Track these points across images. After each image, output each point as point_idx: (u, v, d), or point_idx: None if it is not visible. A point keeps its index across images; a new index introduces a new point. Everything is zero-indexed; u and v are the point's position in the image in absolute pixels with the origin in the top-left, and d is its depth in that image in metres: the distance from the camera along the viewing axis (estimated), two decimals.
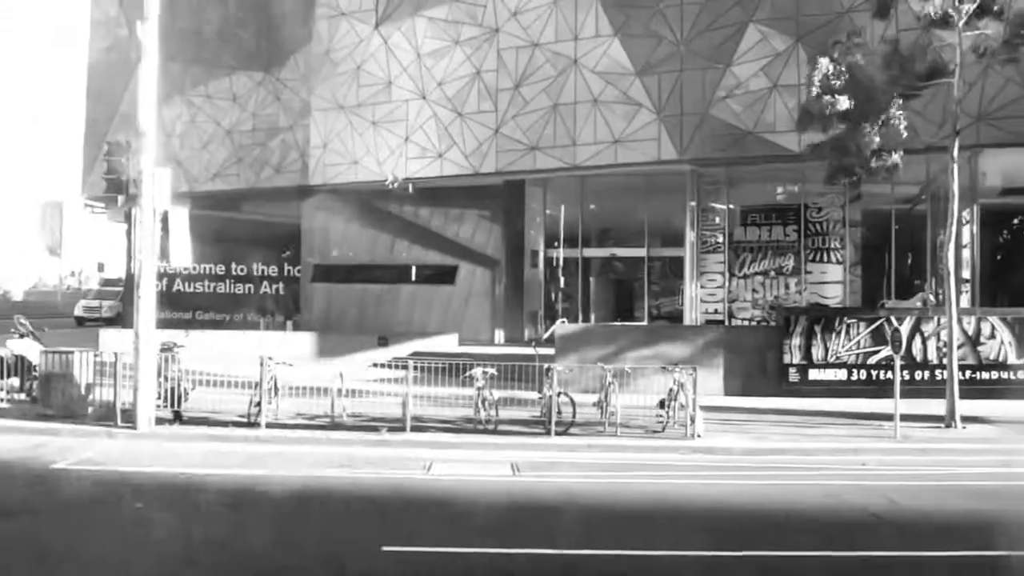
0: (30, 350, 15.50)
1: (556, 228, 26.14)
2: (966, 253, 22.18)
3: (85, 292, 40.95)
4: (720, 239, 23.77)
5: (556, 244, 26.33)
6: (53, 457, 11.86)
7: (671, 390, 14.04)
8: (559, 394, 13.61)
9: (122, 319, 36.67)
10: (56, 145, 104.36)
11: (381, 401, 15.51)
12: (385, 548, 7.98)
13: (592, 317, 26.15)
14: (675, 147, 21.78)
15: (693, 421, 13.39)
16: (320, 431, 13.69)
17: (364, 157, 25.27)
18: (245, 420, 13.82)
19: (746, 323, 23.33)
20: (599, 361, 16.04)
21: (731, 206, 23.92)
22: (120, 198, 13.32)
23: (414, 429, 13.59)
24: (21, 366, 15.15)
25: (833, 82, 14.90)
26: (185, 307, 27.85)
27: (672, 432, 13.79)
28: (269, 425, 13.68)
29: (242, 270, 28.05)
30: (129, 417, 13.76)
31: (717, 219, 23.94)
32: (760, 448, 13.08)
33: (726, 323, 23.20)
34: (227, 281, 27.97)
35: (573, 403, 13.74)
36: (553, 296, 26.54)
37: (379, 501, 10.11)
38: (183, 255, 14.17)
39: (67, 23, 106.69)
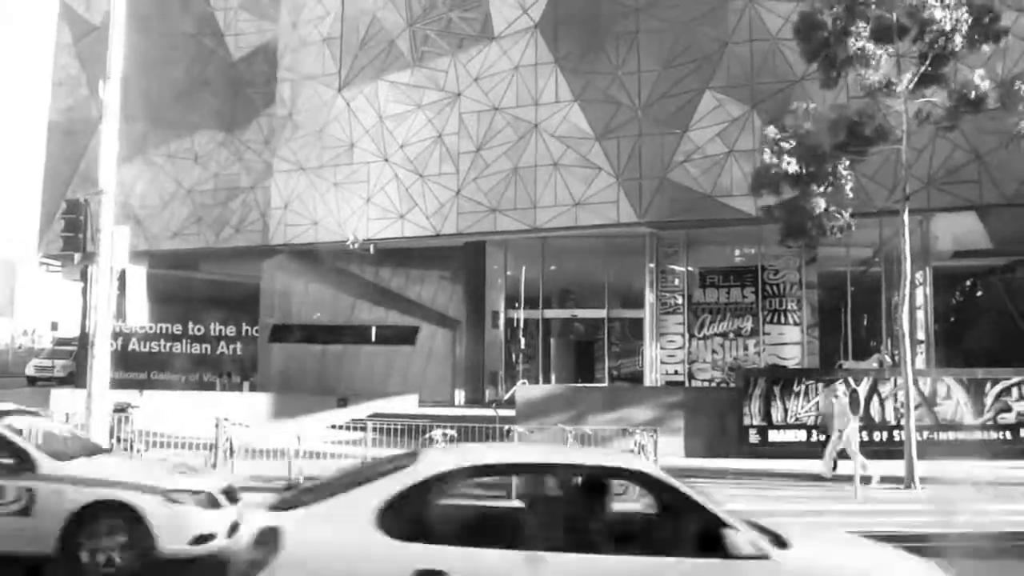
0: None
1: (517, 289, 26.21)
2: (920, 315, 22.61)
3: (37, 351, 40.05)
4: (679, 301, 23.98)
5: (517, 305, 26.36)
6: None
7: (631, 452, 13.95)
8: None
9: (75, 379, 35.85)
10: (10, 202, 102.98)
11: (340, 464, 15.17)
12: None
13: (553, 378, 26.07)
14: (634, 210, 22.07)
15: None
16: (271, 495, 13.33)
17: (325, 218, 25.24)
18: None
19: (706, 384, 23.41)
20: (561, 423, 15.92)
21: (690, 268, 24.20)
22: (77, 256, 13.13)
23: None
24: None
25: (783, 146, 15.31)
26: (141, 367, 27.26)
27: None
28: None
29: (199, 330, 27.59)
30: None
31: (676, 281, 24.19)
32: None
33: (686, 384, 23.26)
34: (184, 341, 27.48)
35: None
36: (514, 357, 26.46)
37: None
38: (139, 314, 13.94)
39: (23, 81, 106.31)
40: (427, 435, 14.12)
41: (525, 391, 19.97)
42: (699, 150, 21.70)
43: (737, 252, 24.41)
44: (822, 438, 18.05)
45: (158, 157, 28.96)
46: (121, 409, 14.13)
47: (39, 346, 55.58)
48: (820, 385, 18.20)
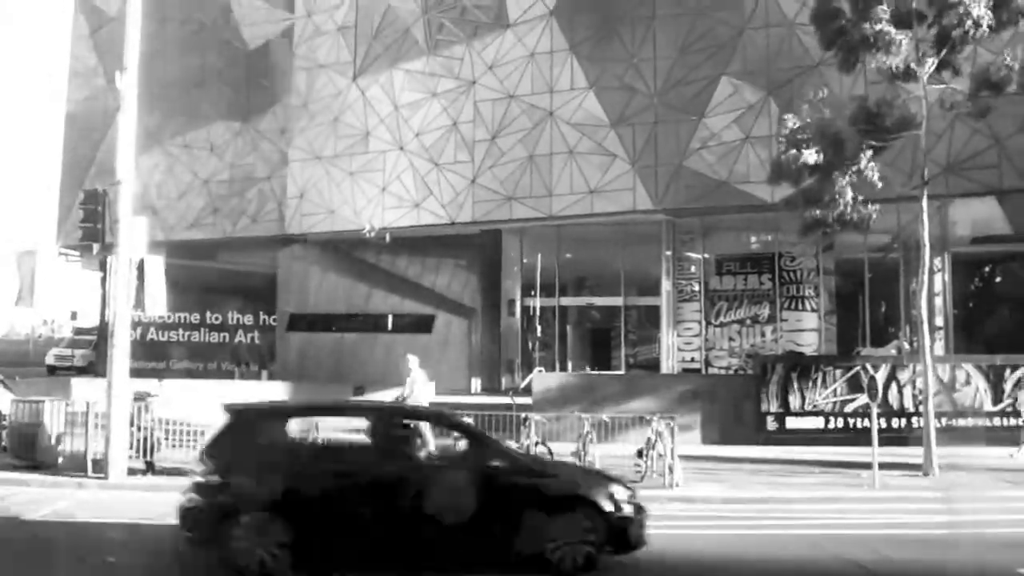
0: (2, 401, 15.20)
1: (533, 277, 26.20)
2: (939, 301, 22.47)
3: (57, 341, 40.35)
4: (696, 288, 23.92)
5: (533, 293, 26.36)
6: (21, 509, 11.50)
7: (649, 439, 13.95)
8: (537, 444, 13.48)
9: (94, 368, 36.18)
10: (30, 194, 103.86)
11: None
12: None
13: (569, 366, 26.09)
14: (650, 197, 22.00)
15: (672, 470, 13.29)
16: None
17: (341, 207, 25.29)
18: None
19: (723, 371, 23.36)
20: (577, 411, 15.95)
21: (706, 255, 24.12)
22: (96, 246, 13.23)
23: None
24: None
25: (801, 137, 15.18)
26: (159, 356, 27.45)
27: (650, 482, 13.65)
28: None
29: (217, 319, 27.74)
30: (100, 467, 13.48)
31: (693, 268, 24.12)
32: (740, 497, 12.97)
33: (703, 371, 23.23)
34: (201, 330, 27.64)
35: (551, 453, 13.61)
36: (530, 345, 26.47)
37: None
38: (158, 304, 14.04)
39: (42, 72, 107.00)
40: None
41: (542, 379, 19.98)
42: (715, 137, 21.59)
43: (754, 239, 24.32)
44: (839, 424, 18.06)
45: (174, 148, 29.09)
46: (141, 398, 14.21)
47: (59, 335, 56.03)
48: (838, 372, 18.13)
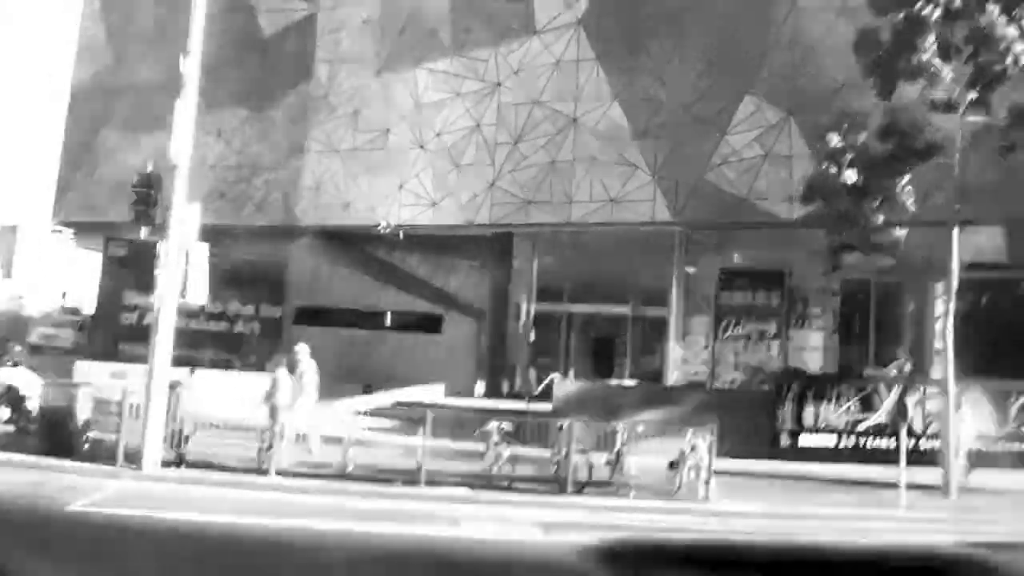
0: (22, 380, 15.03)
1: (541, 283, 26.34)
2: (938, 325, 22.95)
3: (42, 319, 39.69)
4: (705, 302, 24.21)
5: (541, 298, 26.50)
6: (63, 497, 11.37)
7: (682, 451, 14.13)
8: (582, 452, 13.64)
9: (80, 349, 35.64)
10: (14, 170, 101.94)
11: (380, 452, 15.34)
12: None
13: (571, 373, 26.20)
14: (669, 209, 22.22)
15: (707, 483, 13.51)
16: (330, 480, 13.50)
17: (356, 201, 25.21)
18: (255, 466, 13.56)
19: (728, 386, 23.65)
20: (588, 418, 16.02)
21: (717, 269, 24.42)
22: (144, 230, 13.16)
23: (428, 483, 13.46)
24: (12, 397, 14.59)
25: (841, 158, 15.52)
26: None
27: (682, 494, 13.86)
28: (278, 472, 13.45)
29: (217, 307, 27.41)
30: (132, 457, 13.40)
31: (703, 282, 24.40)
32: (775, 512, 13.23)
33: (707, 385, 23.51)
34: (200, 318, 27.28)
35: (590, 463, 13.78)
36: (535, 350, 26.59)
37: (423, 559, 9.91)
38: (200, 292, 13.97)
39: (41, 48, 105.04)
40: (482, 428, 14.22)
41: (563, 386, 20.15)
42: (736, 153, 21.89)
43: (765, 256, 24.60)
44: (851, 443, 18.44)
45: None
46: (173, 387, 14.18)
47: (26, 313, 54.77)
48: (852, 391, 18.50)
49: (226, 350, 27.16)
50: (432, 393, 22.46)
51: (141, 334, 25.66)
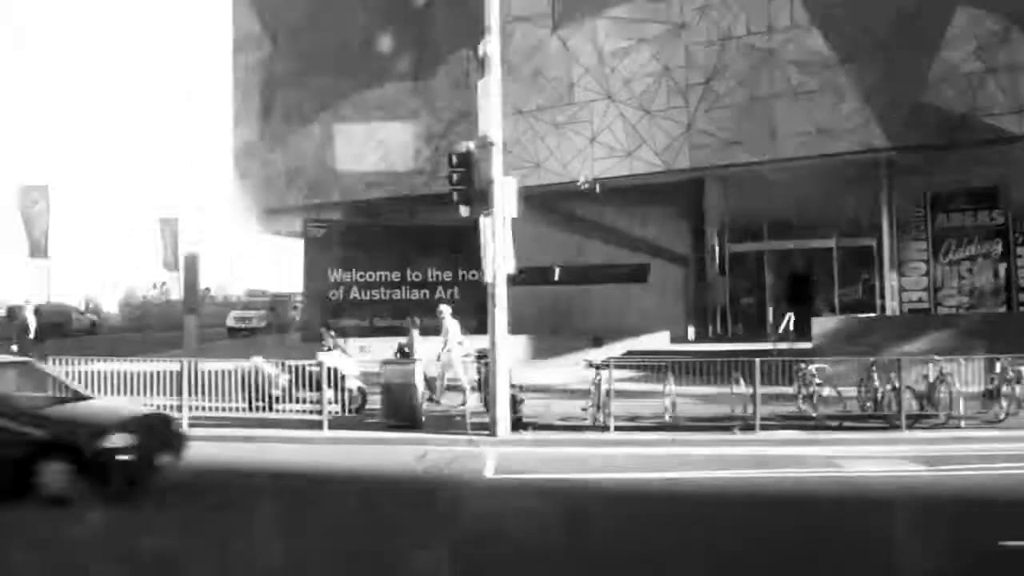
0: (341, 362, 15.84)
1: (737, 222, 25.96)
2: None
3: (233, 304, 41.61)
4: (920, 226, 23.40)
5: (737, 239, 26.14)
6: (463, 466, 11.89)
7: (992, 378, 13.81)
8: (904, 388, 13.54)
9: (271, 329, 37.43)
10: (168, 166, 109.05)
11: (649, 402, 15.39)
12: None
13: (769, 312, 25.85)
14: (884, 135, 21.41)
15: None
16: (661, 432, 13.79)
17: (547, 160, 25.28)
18: (589, 424, 14.04)
19: (952, 311, 22.92)
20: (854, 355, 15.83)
21: (931, 191, 23.52)
22: (465, 208, 13.69)
23: (763, 428, 13.58)
24: (333, 378, 15.28)
25: None
26: (362, 315, 28.13)
27: (1011, 422, 13.51)
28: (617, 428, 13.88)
29: (417, 276, 28.17)
30: (478, 426, 14.05)
31: (914, 206, 23.56)
32: None
33: (931, 311, 22.83)
34: (403, 288, 28.11)
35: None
36: (738, 291, 26.35)
37: (881, 500, 10.06)
38: (510, 261, 14.46)
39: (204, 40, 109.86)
40: (804, 369, 14.30)
41: (821, 323, 19.84)
42: (954, 69, 20.83)
43: (984, 172, 23.51)
44: None
45: (347, 108, 29.47)
46: (482, 356, 14.93)
47: (164, 299, 57.19)
48: None
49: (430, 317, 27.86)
50: (658, 341, 22.59)
51: (348, 309, 26.78)
